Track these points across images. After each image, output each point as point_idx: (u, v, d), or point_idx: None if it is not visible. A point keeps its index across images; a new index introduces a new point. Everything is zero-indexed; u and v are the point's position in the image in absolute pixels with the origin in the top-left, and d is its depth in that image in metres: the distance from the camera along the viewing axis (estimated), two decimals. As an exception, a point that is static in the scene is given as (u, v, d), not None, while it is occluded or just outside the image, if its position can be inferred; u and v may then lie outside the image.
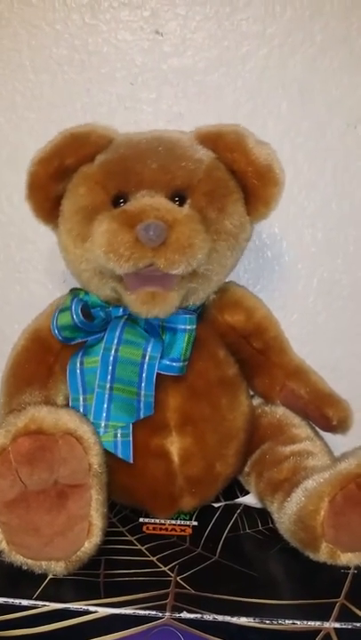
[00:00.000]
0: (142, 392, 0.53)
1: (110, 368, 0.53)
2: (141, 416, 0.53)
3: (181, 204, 0.52)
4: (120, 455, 0.52)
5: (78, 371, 0.54)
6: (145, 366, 0.52)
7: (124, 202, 0.52)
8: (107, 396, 0.53)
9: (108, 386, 0.53)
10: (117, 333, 0.53)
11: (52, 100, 0.66)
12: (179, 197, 0.52)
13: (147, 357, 0.53)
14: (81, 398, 0.54)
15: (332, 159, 0.68)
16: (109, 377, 0.53)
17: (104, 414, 0.53)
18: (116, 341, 0.53)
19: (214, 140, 0.55)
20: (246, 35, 0.65)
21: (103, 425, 0.52)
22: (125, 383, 0.53)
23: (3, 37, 0.65)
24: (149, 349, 0.53)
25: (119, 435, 0.53)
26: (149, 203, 0.50)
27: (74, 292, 0.58)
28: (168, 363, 0.53)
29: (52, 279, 0.70)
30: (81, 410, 0.54)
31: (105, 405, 0.53)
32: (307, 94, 0.67)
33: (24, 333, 0.60)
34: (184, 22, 0.65)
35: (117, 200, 0.52)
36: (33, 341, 0.59)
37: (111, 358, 0.53)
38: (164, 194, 0.52)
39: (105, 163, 0.54)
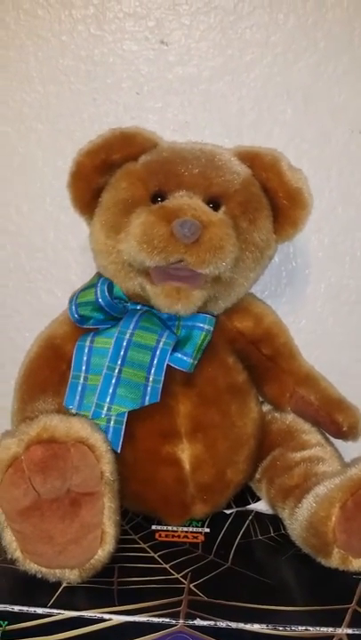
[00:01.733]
0: (151, 377, 0.53)
1: (123, 351, 0.53)
2: (147, 402, 0.53)
3: (216, 209, 0.54)
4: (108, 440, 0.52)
5: (86, 349, 0.55)
6: (158, 351, 0.53)
7: (162, 200, 0.53)
8: (114, 378, 0.53)
9: (117, 368, 0.53)
10: (135, 319, 0.54)
11: (59, 110, 0.67)
12: (214, 204, 0.54)
13: (161, 343, 0.53)
14: (82, 376, 0.55)
15: (338, 165, 0.68)
16: (120, 360, 0.53)
17: (109, 397, 0.53)
18: (132, 327, 0.54)
19: (252, 158, 0.58)
20: (250, 43, 0.66)
21: (106, 407, 0.53)
22: (135, 367, 0.53)
23: (10, 49, 0.66)
24: (165, 336, 0.53)
25: (112, 420, 0.53)
26: (187, 202, 0.52)
27: (100, 275, 0.58)
28: (180, 356, 0.54)
29: (61, 288, 0.70)
30: (79, 388, 0.54)
31: (111, 388, 0.53)
32: (311, 101, 0.67)
33: (37, 340, 0.61)
34: (188, 32, 0.66)
35: (156, 197, 0.54)
36: (46, 348, 0.59)
37: (125, 342, 0.53)
38: (201, 197, 0.53)
39: (148, 162, 0.56)
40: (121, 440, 0.53)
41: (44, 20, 0.65)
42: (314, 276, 0.71)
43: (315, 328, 0.72)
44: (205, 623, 0.44)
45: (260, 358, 0.61)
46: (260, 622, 0.44)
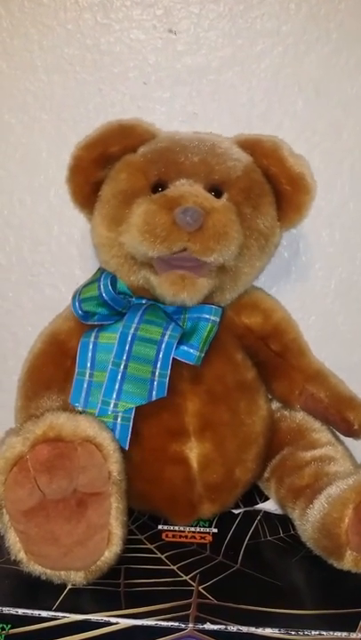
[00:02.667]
0: (157, 371, 0.52)
1: (128, 346, 0.52)
2: (154, 397, 0.52)
3: (218, 197, 0.53)
4: (116, 439, 0.51)
5: (91, 345, 0.54)
6: (163, 345, 0.52)
7: (163, 189, 0.53)
8: (120, 374, 0.52)
9: (123, 364, 0.52)
10: (139, 313, 0.53)
11: (64, 100, 0.66)
12: (215, 191, 0.53)
13: (166, 336, 0.52)
14: (87, 373, 0.54)
15: (349, 158, 0.67)
16: (125, 355, 0.52)
17: (115, 394, 0.52)
18: (137, 320, 0.53)
19: (252, 145, 0.57)
20: (261, 33, 0.64)
21: (112, 404, 0.52)
22: (141, 361, 0.52)
23: (14, 38, 0.65)
24: (170, 329, 0.52)
25: (119, 418, 0.52)
26: (189, 190, 0.51)
27: (103, 269, 0.57)
28: (186, 349, 0.53)
29: (65, 282, 0.69)
30: (85, 385, 0.53)
31: (117, 385, 0.52)
32: (322, 93, 0.66)
33: (41, 336, 0.60)
34: (198, 20, 0.64)
35: (157, 187, 0.53)
36: (50, 344, 0.58)
37: (130, 337, 0.52)
38: (202, 185, 0.53)
39: (148, 152, 0.55)
40: (129, 437, 0.52)
41: (49, 7, 0.64)
42: (324, 271, 0.70)
43: (325, 324, 0.71)
44: (216, 627, 0.43)
45: (268, 355, 0.60)
46: (271, 626, 0.43)
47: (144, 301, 0.55)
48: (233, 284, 0.55)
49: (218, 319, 0.54)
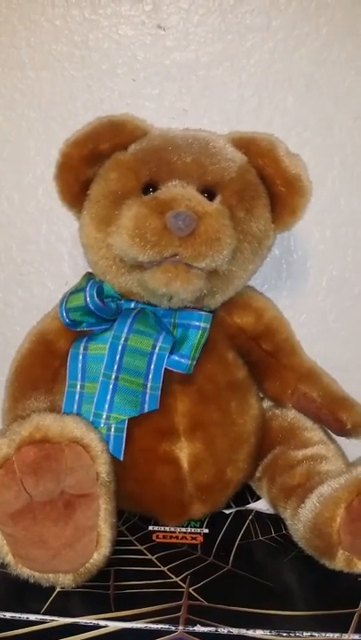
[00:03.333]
0: (149, 384, 0.51)
1: (118, 357, 0.52)
2: (146, 409, 0.51)
3: (211, 199, 0.52)
4: (110, 450, 0.50)
5: (81, 355, 0.53)
6: (154, 357, 0.51)
7: (154, 190, 0.52)
8: (111, 386, 0.51)
9: (113, 375, 0.51)
10: (129, 322, 0.52)
11: (52, 97, 0.65)
12: (208, 193, 0.52)
13: (157, 348, 0.51)
14: (78, 385, 0.53)
15: (340, 154, 0.67)
16: (116, 366, 0.51)
17: (107, 405, 0.51)
18: (126, 330, 0.52)
19: (247, 144, 0.56)
20: (251, 28, 0.64)
21: (105, 416, 0.51)
22: (132, 373, 0.51)
23: (1, 34, 0.64)
24: (160, 340, 0.52)
25: (113, 429, 0.51)
26: (181, 192, 0.50)
27: (89, 275, 0.57)
28: (177, 359, 0.52)
29: (54, 281, 0.69)
30: (77, 397, 0.53)
31: (109, 396, 0.51)
32: (313, 88, 0.65)
33: (28, 336, 0.59)
34: (187, 16, 0.64)
35: (148, 188, 0.52)
36: (38, 344, 0.58)
37: (120, 347, 0.52)
38: (195, 187, 0.52)
39: (139, 151, 0.54)
40: (123, 448, 0.51)
41: (37, 3, 0.63)
42: (315, 269, 0.69)
43: (316, 322, 0.70)
44: (206, 629, 0.42)
45: (260, 354, 0.59)
46: (262, 628, 0.43)
47: (133, 305, 0.54)
48: (225, 287, 0.54)
49: (208, 325, 0.53)
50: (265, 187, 0.55)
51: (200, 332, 0.53)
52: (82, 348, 0.53)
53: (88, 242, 0.55)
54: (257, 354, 0.59)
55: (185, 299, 0.51)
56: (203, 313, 0.53)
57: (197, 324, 0.53)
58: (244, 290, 0.60)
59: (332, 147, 0.66)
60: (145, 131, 0.56)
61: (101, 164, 0.54)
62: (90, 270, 0.58)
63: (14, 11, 0.63)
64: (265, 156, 0.55)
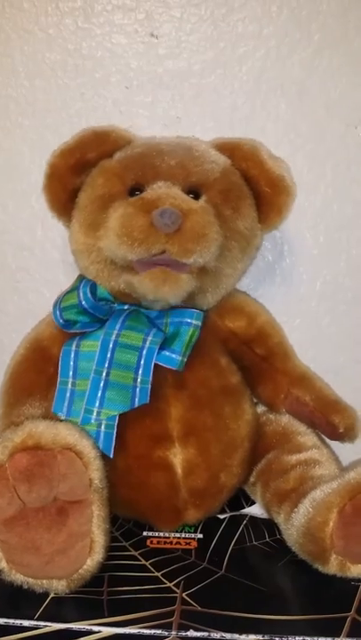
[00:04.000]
0: (139, 378, 0.52)
1: (109, 353, 0.52)
2: (136, 404, 0.51)
3: (196, 199, 0.53)
4: (100, 447, 0.51)
5: (73, 353, 0.54)
6: (144, 351, 0.52)
7: (140, 193, 0.52)
8: (102, 382, 0.52)
9: (105, 371, 0.52)
10: (120, 320, 0.53)
11: (46, 105, 0.65)
12: (193, 193, 0.53)
13: (147, 342, 0.52)
14: (70, 382, 0.53)
15: (333, 160, 0.67)
16: (107, 362, 0.52)
17: (97, 402, 0.52)
18: (118, 327, 0.52)
19: (231, 149, 0.57)
20: (243, 36, 0.64)
21: (95, 412, 0.51)
22: (123, 368, 0.52)
23: (-5, 43, 0.64)
24: (151, 335, 0.52)
25: (103, 426, 0.52)
26: (166, 192, 0.51)
27: (83, 276, 0.57)
28: (168, 354, 0.52)
29: (49, 288, 0.69)
30: (67, 395, 0.53)
31: (100, 392, 0.52)
32: (305, 95, 0.66)
33: (23, 342, 0.59)
34: (179, 24, 0.64)
35: (134, 191, 0.53)
36: (33, 351, 0.58)
37: (111, 344, 0.52)
38: (180, 187, 0.52)
39: (124, 158, 0.55)
40: (113, 445, 0.51)
41: (30, 12, 0.64)
42: (309, 274, 0.70)
43: (310, 327, 0.71)
44: (199, 634, 0.42)
45: (253, 359, 0.60)
46: (255, 632, 0.43)
47: (126, 307, 0.55)
48: (215, 285, 0.55)
49: (200, 323, 0.54)
50: (250, 188, 0.56)
51: (192, 329, 0.53)
52: (74, 346, 0.54)
53: (78, 247, 0.56)
54: (250, 358, 0.59)
55: (175, 303, 0.52)
56: (194, 311, 0.54)
57: (189, 320, 0.53)
58: (237, 295, 0.61)
59: (324, 153, 0.67)
60: (129, 139, 0.57)
61: (88, 172, 0.55)
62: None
63: (8, 20, 0.64)
64: (248, 159, 0.56)
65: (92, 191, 0.54)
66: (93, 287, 0.55)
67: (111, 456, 0.51)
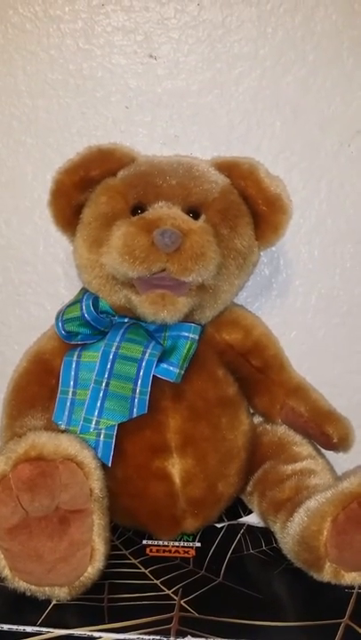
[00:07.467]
0: (138, 389, 0.53)
1: (109, 364, 0.53)
2: (134, 414, 0.53)
3: (195, 218, 0.54)
4: (99, 455, 0.52)
5: (74, 364, 0.55)
6: (143, 363, 0.53)
7: (142, 212, 0.54)
8: (102, 392, 0.53)
9: (104, 382, 0.53)
10: (121, 332, 0.54)
11: (48, 124, 0.67)
12: (193, 213, 0.55)
13: (146, 354, 0.53)
14: (70, 392, 0.55)
15: (327, 177, 0.68)
16: (107, 373, 0.53)
17: (97, 411, 0.53)
18: (118, 339, 0.54)
19: (229, 167, 0.58)
20: (239, 56, 0.66)
21: (94, 421, 0.53)
22: (122, 379, 0.53)
23: (-2, 63, 0.66)
24: (150, 347, 0.53)
25: (102, 435, 0.53)
26: (167, 212, 0.52)
27: (85, 290, 0.59)
28: (166, 366, 0.54)
29: (51, 301, 0.70)
30: (68, 404, 0.54)
31: (99, 402, 0.53)
32: (300, 114, 0.67)
33: (26, 355, 0.61)
34: (177, 45, 0.66)
35: (136, 210, 0.55)
36: (35, 363, 0.59)
37: (111, 355, 0.53)
38: (180, 207, 0.54)
39: (127, 176, 0.56)
40: (112, 454, 0.53)
41: (33, 34, 0.65)
42: (304, 287, 0.71)
43: (305, 339, 0.72)
44: (196, 640, 0.43)
45: (250, 370, 0.61)
46: (252, 638, 0.43)
47: (126, 320, 0.56)
48: (213, 301, 0.56)
49: (197, 337, 0.55)
50: (247, 206, 0.58)
51: (189, 342, 0.54)
52: (75, 356, 0.55)
53: (82, 262, 0.57)
54: (246, 370, 0.61)
55: (173, 323, 0.53)
56: (192, 325, 0.55)
57: (187, 334, 0.55)
58: (234, 308, 0.62)
59: (318, 170, 0.68)
60: (132, 157, 0.58)
61: (92, 189, 0.57)
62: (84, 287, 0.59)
63: (11, 40, 0.66)
64: (246, 178, 0.57)
65: (96, 208, 0.56)
66: (96, 300, 0.56)
67: (109, 465, 0.52)
